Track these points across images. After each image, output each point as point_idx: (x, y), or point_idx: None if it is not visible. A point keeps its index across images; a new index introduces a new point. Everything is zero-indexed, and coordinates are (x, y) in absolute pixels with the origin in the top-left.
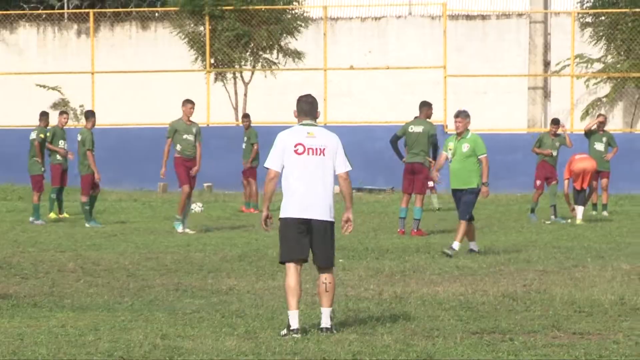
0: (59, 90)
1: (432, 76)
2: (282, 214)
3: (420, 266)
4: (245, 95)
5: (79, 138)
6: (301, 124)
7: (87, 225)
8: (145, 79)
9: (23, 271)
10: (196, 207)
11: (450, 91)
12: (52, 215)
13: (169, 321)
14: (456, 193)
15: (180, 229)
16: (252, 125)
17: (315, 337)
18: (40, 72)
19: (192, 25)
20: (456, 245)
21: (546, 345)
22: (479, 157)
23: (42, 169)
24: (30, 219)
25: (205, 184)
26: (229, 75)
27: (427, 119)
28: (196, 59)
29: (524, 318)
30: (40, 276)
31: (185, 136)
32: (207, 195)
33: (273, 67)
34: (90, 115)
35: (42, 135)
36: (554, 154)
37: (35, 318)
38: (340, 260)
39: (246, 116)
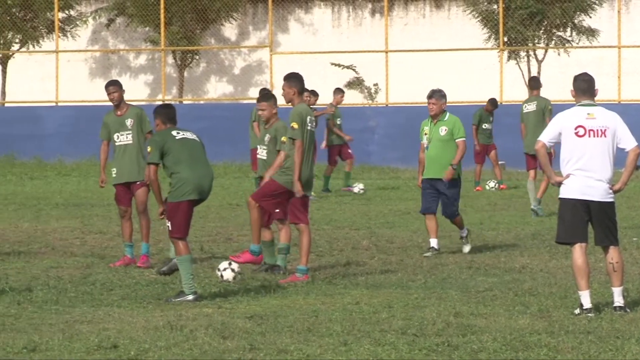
0: (353, 69)
1: None
2: (562, 194)
3: None
4: (539, 73)
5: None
6: (580, 105)
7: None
8: (438, 57)
9: (318, 248)
10: (356, 187)
11: None
12: None
13: (462, 299)
14: (431, 182)
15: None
16: None
17: (609, 316)
18: (334, 51)
19: (485, 3)
20: (467, 247)
21: None
22: (457, 141)
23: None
24: None
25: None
26: (522, 54)
27: None
28: (489, 37)
29: None
30: (334, 253)
31: None
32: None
33: (567, 45)
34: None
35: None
36: None
37: (330, 295)
38: (635, 239)
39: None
